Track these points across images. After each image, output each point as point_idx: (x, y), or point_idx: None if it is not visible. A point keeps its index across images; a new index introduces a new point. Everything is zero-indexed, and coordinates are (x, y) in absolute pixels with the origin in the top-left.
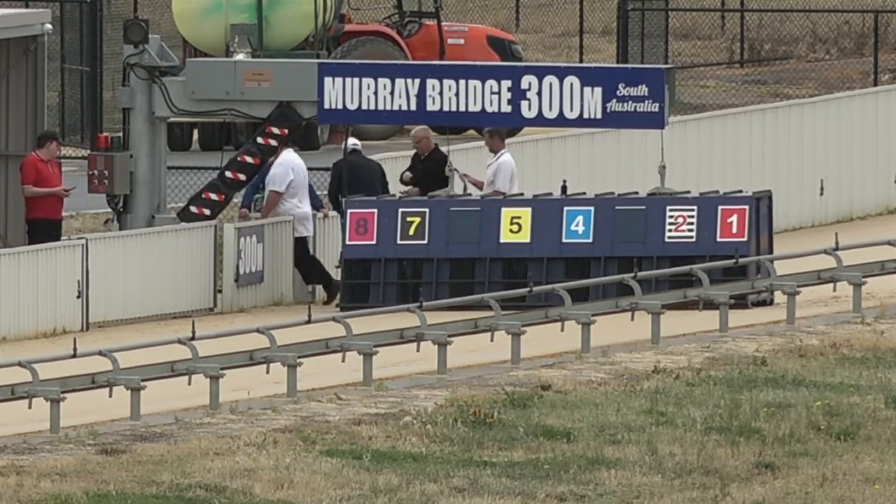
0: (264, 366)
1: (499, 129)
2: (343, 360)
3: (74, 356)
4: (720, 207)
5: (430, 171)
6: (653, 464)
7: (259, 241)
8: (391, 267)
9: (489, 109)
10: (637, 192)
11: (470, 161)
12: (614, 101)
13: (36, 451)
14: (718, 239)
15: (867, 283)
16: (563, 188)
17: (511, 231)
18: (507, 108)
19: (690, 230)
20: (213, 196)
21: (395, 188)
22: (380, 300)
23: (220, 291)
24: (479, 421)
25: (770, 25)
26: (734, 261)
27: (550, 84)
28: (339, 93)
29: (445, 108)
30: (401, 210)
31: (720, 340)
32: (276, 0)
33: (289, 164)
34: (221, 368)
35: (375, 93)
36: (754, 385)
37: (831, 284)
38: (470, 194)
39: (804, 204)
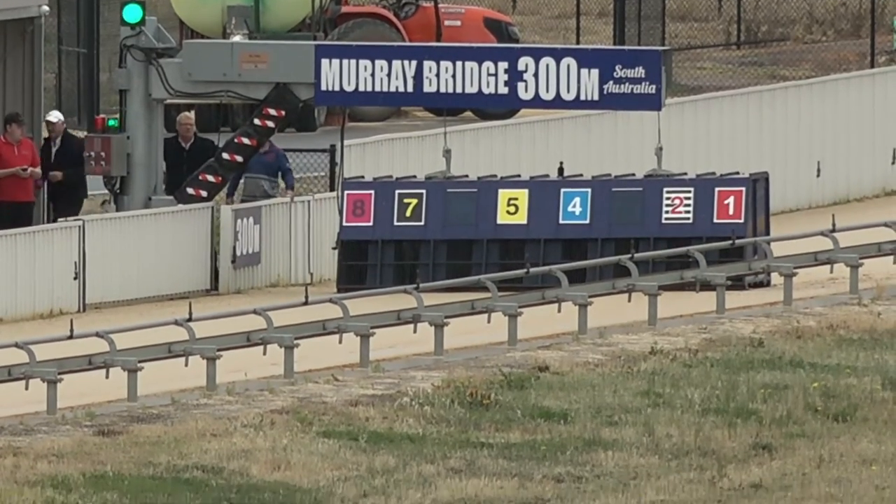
0: (261, 347)
1: None
2: (340, 342)
3: (71, 337)
4: (717, 189)
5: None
6: (650, 445)
7: (256, 222)
8: (388, 248)
9: (486, 91)
10: (634, 174)
11: (466, 142)
12: (611, 82)
13: (33, 432)
14: (715, 220)
15: (864, 264)
16: (560, 170)
17: (508, 212)
18: (503, 90)
19: (687, 212)
20: (211, 178)
21: None
22: (377, 282)
23: (217, 273)
24: (476, 402)
25: (766, 7)
26: (731, 242)
27: (547, 66)
28: (335, 75)
29: (442, 90)
30: (398, 191)
31: (717, 322)
32: None
33: None
34: (218, 350)
35: (372, 75)
36: (751, 366)
37: (828, 266)
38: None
39: (801, 186)
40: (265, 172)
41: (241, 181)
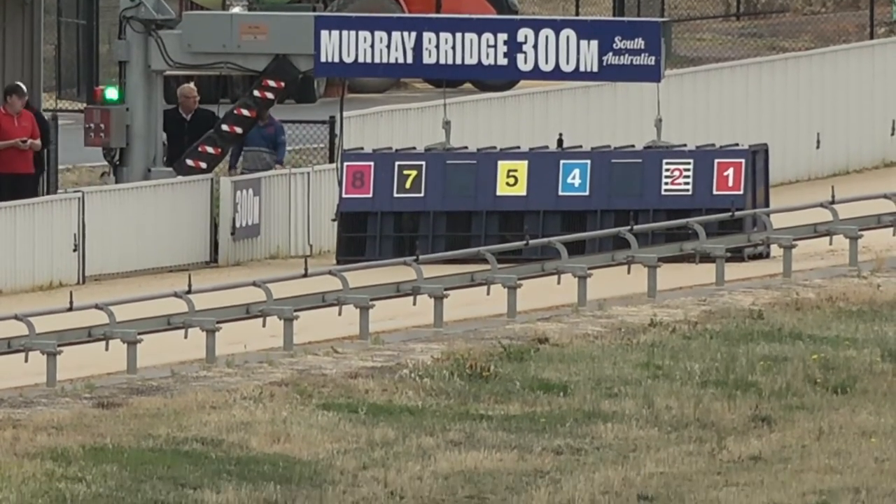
0: (261, 319)
1: None
2: (339, 314)
3: (71, 309)
4: (716, 161)
5: None
6: (649, 417)
7: (255, 194)
8: (387, 220)
9: (485, 62)
10: (633, 146)
11: (466, 113)
12: (611, 54)
13: (32, 404)
14: (715, 192)
15: (863, 236)
16: (560, 141)
17: (507, 184)
18: (503, 61)
19: (687, 183)
20: (210, 149)
21: None
22: (376, 253)
23: (216, 245)
24: (475, 374)
25: None
26: (730, 214)
27: (547, 37)
28: (335, 46)
29: (442, 62)
30: (397, 163)
31: (716, 294)
32: None
33: None
34: (218, 322)
35: (372, 46)
36: (751, 338)
37: (827, 238)
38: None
39: (800, 157)
40: (266, 145)
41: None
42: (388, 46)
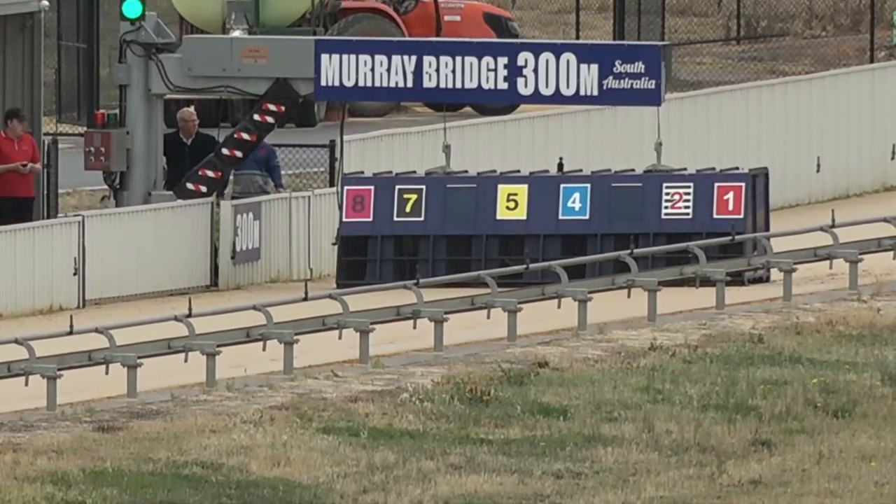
0: (261, 343)
1: None
2: (340, 338)
3: (71, 333)
4: (717, 184)
5: None
6: (649, 441)
7: (255, 218)
8: (388, 244)
9: (486, 86)
10: (633, 169)
11: (466, 137)
12: (611, 77)
13: (32, 428)
14: (715, 216)
15: (863, 260)
16: (560, 165)
17: (507, 208)
18: (503, 85)
19: (687, 207)
20: (210, 173)
21: None
22: (376, 277)
23: (217, 268)
24: (475, 398)
25: (766, 2)
26: (731, 238)
27: (547, 61)
28: (335, 69)
29: (442, 85)
30: (397, 187)
31: (717, 317)
32: None
33: None
34: (218, 346)
35: (372, 70)
36: (751, 362)
37: (828, 261)
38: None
39: (801, 181)
40: (258, 168)
41: (230, 178)
42: (389, 70)
